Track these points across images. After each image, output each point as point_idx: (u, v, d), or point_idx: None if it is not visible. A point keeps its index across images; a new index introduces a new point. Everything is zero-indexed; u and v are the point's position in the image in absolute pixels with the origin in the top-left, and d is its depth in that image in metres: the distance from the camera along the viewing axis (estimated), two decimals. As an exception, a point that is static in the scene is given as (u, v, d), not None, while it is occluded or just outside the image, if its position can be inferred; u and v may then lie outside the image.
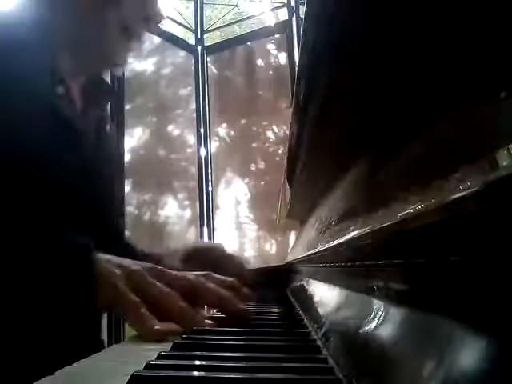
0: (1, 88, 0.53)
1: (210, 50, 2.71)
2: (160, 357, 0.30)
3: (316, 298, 0.52)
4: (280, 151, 2.47)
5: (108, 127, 0.72)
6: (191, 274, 0.50)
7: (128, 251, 0.64)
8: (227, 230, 2.55)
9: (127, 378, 0.24)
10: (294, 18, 2.53)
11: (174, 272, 0.49)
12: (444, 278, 0.18)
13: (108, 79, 0.71)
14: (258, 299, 0.66)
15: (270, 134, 2.67)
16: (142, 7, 0.64)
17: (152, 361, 0.28)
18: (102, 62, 0.67)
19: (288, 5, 2.60)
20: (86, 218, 0.59)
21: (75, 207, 0.59)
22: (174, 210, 2.49)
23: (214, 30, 2.97)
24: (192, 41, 2.72)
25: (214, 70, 2.72)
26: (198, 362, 0.30)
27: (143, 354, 0.31)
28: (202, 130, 2.59)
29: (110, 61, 0.66)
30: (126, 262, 0.47)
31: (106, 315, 1.28)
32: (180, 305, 0.45)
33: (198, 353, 0.33)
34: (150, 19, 0.65)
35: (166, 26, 2.63)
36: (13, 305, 0.44)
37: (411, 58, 0.27)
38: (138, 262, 0.48)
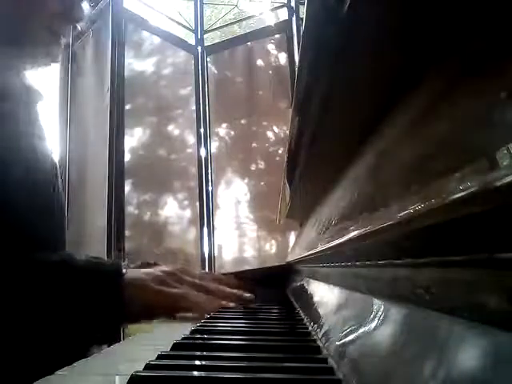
0: None
1: (210, 50, 2.71)
2: (160, 357, 0.30)
3: (316, 298, 0.52)
4: (280, 151, 2.47)
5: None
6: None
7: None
8: (227, 229, 2.55)
9: (126, 378, 0.24)
10: (293, 18, 2.53)
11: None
12: (444, 277, 0.18)
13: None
14: (258, 299, 0.66)
15: (270, 134, 2.66)
16: (63, 9, 0.64)
17: (152, 361, 0.28)
18: (29, 59, 0.65)
19: (288, 5, 2.60)
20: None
21: None
22: (174, 210, 2.49)
23: (214, 30, 2.97)
24: (192, 41, 2.72)
25: (214, 70, 2.72)
26: (197, 362, 0.30)
27: (143, 354, 0.31)
28: (201, 130, 2.59)
29: (37, 57, 0.65)
30: (149, 270, 0.60)
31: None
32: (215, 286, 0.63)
33: (197, 353, 0.33)
34: (71, 18, 0.66)
35: (166, 25, 2.64)
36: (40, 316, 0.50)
37: (411, 60, 0.27)
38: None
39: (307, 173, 0.62)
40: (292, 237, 2.24)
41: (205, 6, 2.91)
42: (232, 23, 3.09)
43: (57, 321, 0.50)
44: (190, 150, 2.60)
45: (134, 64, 2.41)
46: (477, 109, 0.17)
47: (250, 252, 2.56)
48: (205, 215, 2.50)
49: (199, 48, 2.69)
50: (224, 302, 0.62)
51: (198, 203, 2.51)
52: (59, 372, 0.28)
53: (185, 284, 0.61)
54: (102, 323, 0.53)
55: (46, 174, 0.63)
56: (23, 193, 0.55)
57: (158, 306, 0.57)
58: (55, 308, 0.50)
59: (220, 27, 3.02)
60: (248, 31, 2.88)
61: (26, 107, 0.64)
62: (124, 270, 0.57)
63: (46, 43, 0.64)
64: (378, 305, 0.26)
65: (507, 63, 0.15)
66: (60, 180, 0.68)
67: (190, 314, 0.58)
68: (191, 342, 0.38)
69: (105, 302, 0.53)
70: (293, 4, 2.56)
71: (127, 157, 2.23)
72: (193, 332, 0.43)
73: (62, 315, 0.51)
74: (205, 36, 2.78)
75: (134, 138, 2.37)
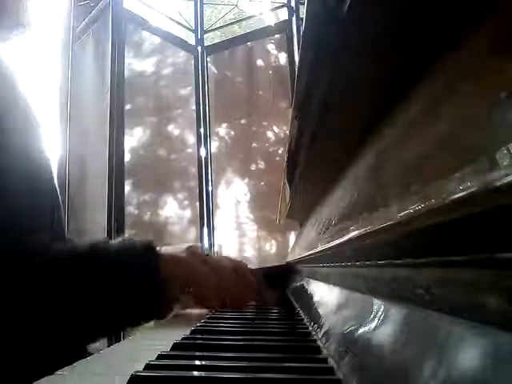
0: None
1: (210, 49, 2.71)
2: (160, 357, 0.30)
3: (316, 298, 0.52)
4: (280, 151, 2.47)
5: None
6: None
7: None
8: (227, 229, 2.55)
9: (126, 378, 0.24)
10: (293, 18, 2.53)
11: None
12: (444, 277, 0.18)
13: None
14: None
15: (270, 134, 2.66)
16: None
17: (152, 361, 0.28)
18: None
19: (288, 5, 2.60)
20: None
21: None
22: (173, 210, 2.49)
23: (214, 30, 2.97)
24: (192, 41, 2.72)
25: (214, 70, 2.72)
26: (197, 362, 0.30)
27: (143, 354, 0.31)
28: (201, 130, 2.59)
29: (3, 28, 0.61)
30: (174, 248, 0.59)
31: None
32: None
33: (197, 353, 0.33)
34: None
35: (166, 26, 2.64)
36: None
37: (411, 60, 0.27)
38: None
39: (307, 173, 0.62)
40: (292, 237, 2.24)
41: (205, 5, 2.92)
42: (232, 23, 3.09)
43: (91, 311, 0.50)
44: (190, 150, 2.60)
45: (134, 64, 2.41)
46: (477, 109, 0.17)
47: (250, 252, 2.56)
48: (205, 215, 2.50)
49: (199, 48, 2.69)
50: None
51: (198, 203, 2.51)
52: (59, 372, 0.28)
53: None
54: (143, 302, 0.52)
55: (40, 173, 0.62)
56: (18, 195, 0.54)
57: (191, 282, 0.57)
58: (91, 298, 0.50)
59: (220, 27, 3.02)
60: (248, 31, 2.88)
61: (7, 94, 0.59)
62: (158, 248, 0.56)
63: (8, 10, 0.61)
64: (377, 305, 0.26)
65: (507, 63, 0.15)
66: (55, 179, 0.66)
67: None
68: (191, 342, 0.38)
69: (143, 279, 0.52)
70: (293, 4, 2.56)
71: (127, 157, 2.23)
72: (193, 332, 0.43)
73: (96, 305, 0.50)
74: (205, 36, 2.78)
75: (133, 138, 2.37)
